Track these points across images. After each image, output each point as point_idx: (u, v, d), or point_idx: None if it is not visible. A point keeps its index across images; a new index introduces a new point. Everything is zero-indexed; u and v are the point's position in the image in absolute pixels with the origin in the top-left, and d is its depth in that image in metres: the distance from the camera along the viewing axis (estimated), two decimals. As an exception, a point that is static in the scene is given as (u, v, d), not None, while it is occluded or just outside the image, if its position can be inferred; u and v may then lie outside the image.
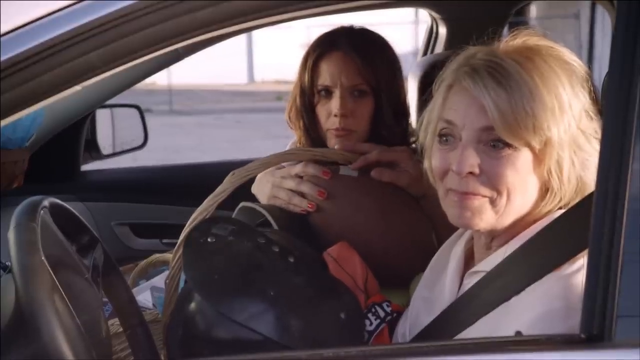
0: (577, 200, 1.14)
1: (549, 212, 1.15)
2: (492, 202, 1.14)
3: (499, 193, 1.13)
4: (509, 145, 1.12)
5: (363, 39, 1.77)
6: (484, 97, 1.11)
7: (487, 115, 1.11)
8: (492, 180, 1.13)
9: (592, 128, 1.15)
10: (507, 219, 1.15)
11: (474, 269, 1.21)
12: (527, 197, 1.14)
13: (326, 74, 1.73)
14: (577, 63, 1.17)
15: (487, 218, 1.14)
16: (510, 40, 1.19)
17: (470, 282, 1.20)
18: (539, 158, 1.12)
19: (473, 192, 1.14)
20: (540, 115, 1.10)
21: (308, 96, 1.76)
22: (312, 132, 1.78)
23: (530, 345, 1.00)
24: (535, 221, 1.15)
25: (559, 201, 1.15)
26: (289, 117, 1.83)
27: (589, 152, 1.14)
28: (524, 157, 1.12)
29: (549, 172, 1.13)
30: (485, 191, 1.13)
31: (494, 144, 1.12)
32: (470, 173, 1.13)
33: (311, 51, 1.77)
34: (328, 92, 1.73)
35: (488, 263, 1.18)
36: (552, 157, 1.12)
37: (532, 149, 1.11)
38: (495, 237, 1.19)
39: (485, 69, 1.12)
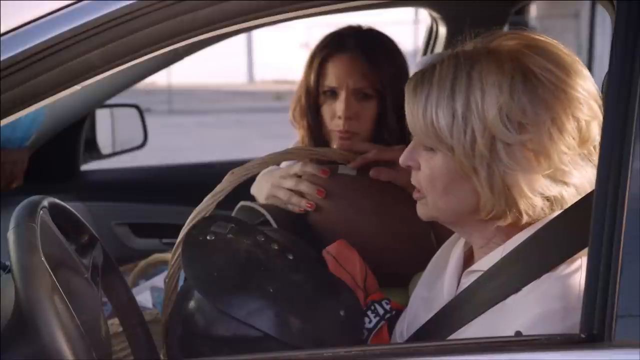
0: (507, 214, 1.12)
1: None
2: (425, 199, 1.19)
3: (426, 191, 1.18)
4: (428, 148, 1.16)
5: (371, 40, 1.77)
6: (405, 101, 1.18)
7: None
8: (423, 178, 1.18)
9: (522, 140, 1.08)
10: (444, 218, 1.19)
11: (471, 268, 1.21)
12: (454, 200, 1.15)
13: (332, 75, 1.73)
14: (555, 76, 1.09)
15: (425, 212, 1.21)
16: (488, 40, 1.16)
17: (467, 281, 1.20)
18: (456, 164, 1.12)
19: (414, 184, 1.20)
20: (441, 123, 1.11)
21: (313, 96, 1.76)
22: (316, 132, 1.78)
23: (530, 345, 1.00)
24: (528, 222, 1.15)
25: (491, 211, 1.12)
26: (293, 116, 1.83)
27: (507, 165, 1.09)
28: (442, 161, 1.14)
29: (472, 180, 1.11)
30: (420, 186, 1.19)
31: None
32: (410, 166, 1.20)
33: (318, 51, 1.76)
34: (333, 93, 1.73)
35: (485, 262, 1.18)
36: (464, 165, 1.11)
37: (447, 155, 1.12)
38: (474, 239, 1.21)
39: (421, 73, 1.16)
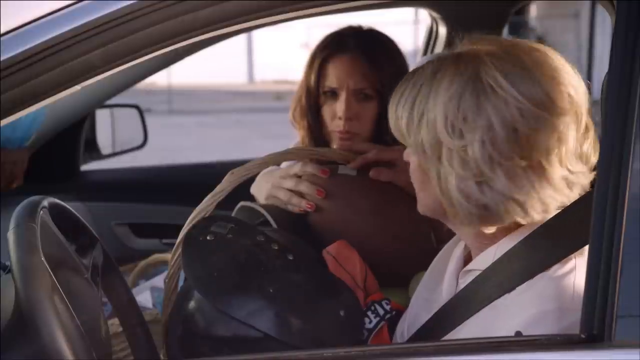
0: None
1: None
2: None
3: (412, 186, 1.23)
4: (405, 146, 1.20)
5: (371, 41, 1.77)
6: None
7: None
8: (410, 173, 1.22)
9: (459, 145, 1.08)
10: (430, 214, 1.21)
11: (466, 268, 1.22)
12: (429, 197, 1.18)
13: (333, 76, 1.73)
14: (499, 85, 1.07)
15: (419, 206, 1.23)
16: (465, 44, 1.17)
17: (464, 280, 1.21)
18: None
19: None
20: (402, 124, 1.15)
21: (314, 96, 1.76)
22: (316, 132, 1.78)
23: (530, 345, 1.00)
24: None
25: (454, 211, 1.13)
26: (293, 117, 1.83)
27: (447, 170, 1.10)
28: (415, 160, 1.18)
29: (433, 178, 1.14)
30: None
31: None
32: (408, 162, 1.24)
33: (318, 51, 1.76)
34: (334, 94, 1.73)
35: (479, 261, 1.18)
36: (421, 164, 1.16)
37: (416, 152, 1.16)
38: (462, 237, 1.23)
39: (406, 76, 1.19)
